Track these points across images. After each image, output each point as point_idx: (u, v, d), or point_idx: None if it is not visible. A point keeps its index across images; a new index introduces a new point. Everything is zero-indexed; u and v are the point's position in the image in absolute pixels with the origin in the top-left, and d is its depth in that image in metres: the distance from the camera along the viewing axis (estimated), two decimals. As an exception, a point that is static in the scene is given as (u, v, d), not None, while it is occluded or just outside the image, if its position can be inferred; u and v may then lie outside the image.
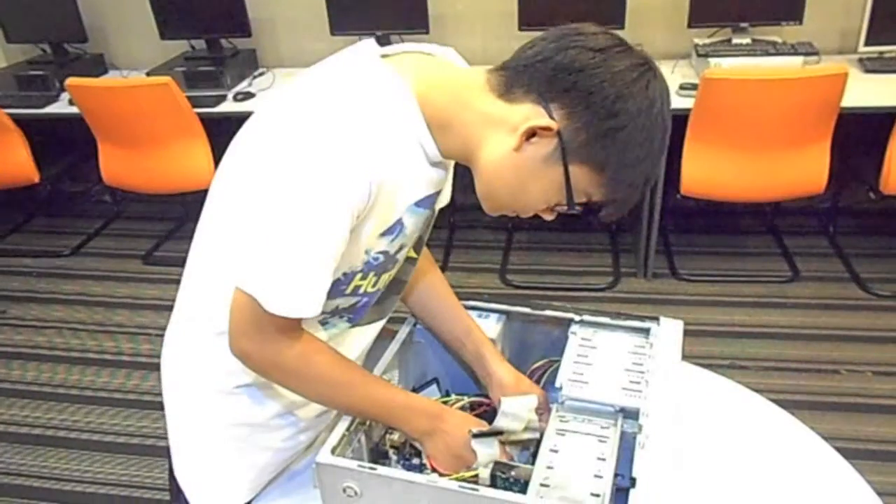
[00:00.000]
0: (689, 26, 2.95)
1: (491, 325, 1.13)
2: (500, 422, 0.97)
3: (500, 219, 3.43)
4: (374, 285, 0.95)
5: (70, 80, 2.73)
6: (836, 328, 2.64)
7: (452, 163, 0.97)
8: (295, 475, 1.10)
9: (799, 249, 3.11)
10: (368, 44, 0.88)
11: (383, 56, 0.86)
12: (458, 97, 0.84)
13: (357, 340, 1.06)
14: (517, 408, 0.98)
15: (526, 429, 0.98)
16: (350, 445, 0.93)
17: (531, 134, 0.80)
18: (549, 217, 0.89)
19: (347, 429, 0.92)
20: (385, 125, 0.81)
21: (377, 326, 1.09)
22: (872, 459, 2.07)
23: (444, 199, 1.03)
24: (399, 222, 0.90)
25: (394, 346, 1.08)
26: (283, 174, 0.79)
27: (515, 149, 0.81)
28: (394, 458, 0.99)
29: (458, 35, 3.21)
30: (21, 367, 2.65)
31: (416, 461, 0.98)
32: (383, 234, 0.89)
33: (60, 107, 3.02)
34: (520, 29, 3.01)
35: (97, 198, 3.81)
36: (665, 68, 2.97)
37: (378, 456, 1.00)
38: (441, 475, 0.92)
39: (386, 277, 0.97)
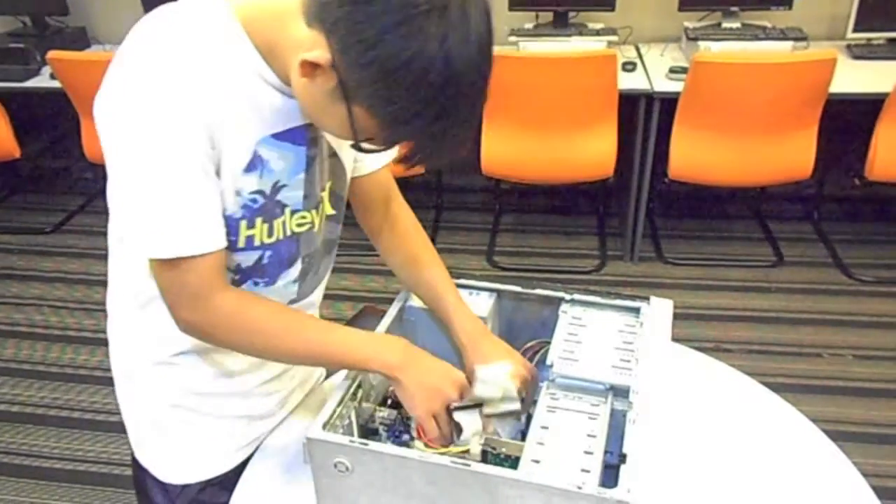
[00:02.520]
0: (680, 9, 2.94)
1: (482, 304, 1.12)
2: (479, 390, 0.96)
3: (488, 201, 3.45)
4: (269, 234, 0.92)
5: (52, 54, 2.67)
6: (819, 312, 2.66)
7: None
8: (284, 451, 1.09)
9: (784, 234, 3.13)
10: None
11: None
12: (278, 20, 0.79)
13: (311, 310, 1.08)
14: (493, 374, 0.97)
15: (504, 399, 0.97)
16: (341, 421, 0.92)
17: (313, 66, 0.74)
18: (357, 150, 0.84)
19: (338, 404, 0.92)
20: (212, 58, 0.80)
21: (322, 291, 1.10)
22: (853, 441, 2.10)
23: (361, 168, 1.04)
24: (257, 157, 0.87)
25: (383, 325, 1.07)
26: (123, 132, 0.79)
27: (302, 76, 0.76)
28: (384, 434, 0.99)
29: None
30: (0, 343, 2.64)
31: (405, 437, 0.98)
32: (246, 171, 0.87)
33: (42, 81, 2.95)
34: (510, 9, 2.98)
35: (78, 175, 3.75)
36: (655, 51, 2.98)
37: (368, 433, 1.00)
38: (428, 447, 0.92)
39: (279, 225, 0.93)
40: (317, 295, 1.09)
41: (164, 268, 0.84)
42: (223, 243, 0.86)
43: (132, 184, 0.81)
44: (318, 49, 0.73)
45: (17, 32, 3.37)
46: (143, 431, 1.07)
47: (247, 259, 0.93)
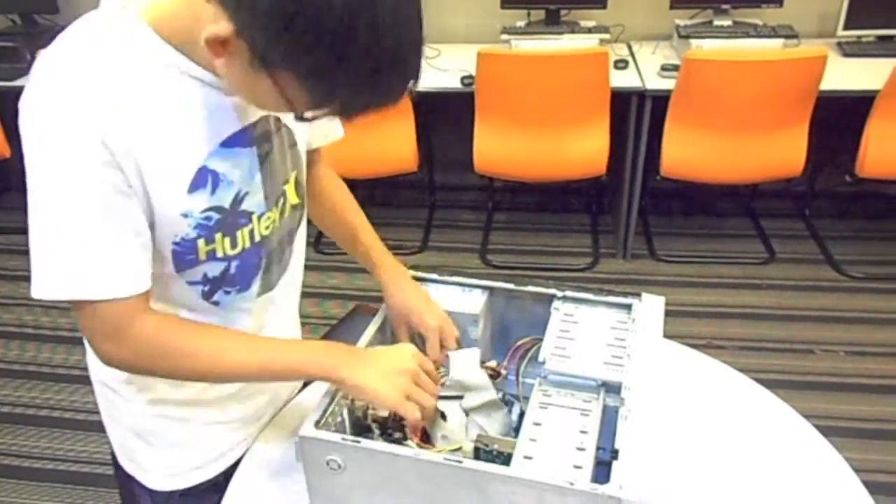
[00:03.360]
0: (671, 7, 2.95)
1: (474, 301, 1.12)
2: (454, 373, 0.97)
3: (481, 199, 3.44)
4: (233, 246, 0.89)
5: (41, 52, 2.65)
6: (811, 309, 2.68)
7: None
8: (276, 450, 1.09)
9: (775, 231, 3.14)
10: None
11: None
12: (185, 8, 0.74)
13: (286, 305, 1.07)
14: (463, 358, 0.98)
15: (478, 388, 0.97)
16: (333, 419, 0.92)
17: (223, 42, 0.69)
18: (302, 122, 0.79)
19: (331, 402, 0.91)
20: (125, 73, 0.75)
21: (296, 284, 1.09)
22: (845, 436, 2.11)
23: (328, 132, 1.06)
24: (206, 171, 0.82)
25: (372, 326, 1.07)
26: (27, 157, 0.74)
27: (216, 58, 0.71)
28: (376, 432, 0.98)
29: (441, 13, 3.18)
30: (4, 345, 2.61)
31: (397, 436, 0.98)
32: (191, 191, 0.82)
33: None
34: (502, 7, 2.98)
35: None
36: (647, 49, 2.99)
37: (360, 431, 0.99)
38: (422, 447, 0.92)
39: (244, 234, 0.90)
40: (285, 288, 1.04)
41: (74, 306, 0.80)
42: (137, 287, 0.81)
43: (33, 213, 0.75)
44: (220, 21, 0.68)
45: (6, 31, 3.36)
46: (126, 440, 1.04)
47: (212, 269, 0.90)
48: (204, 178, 0.83)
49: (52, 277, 0.78)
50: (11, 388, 2.42)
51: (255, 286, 0.97)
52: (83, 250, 0.76)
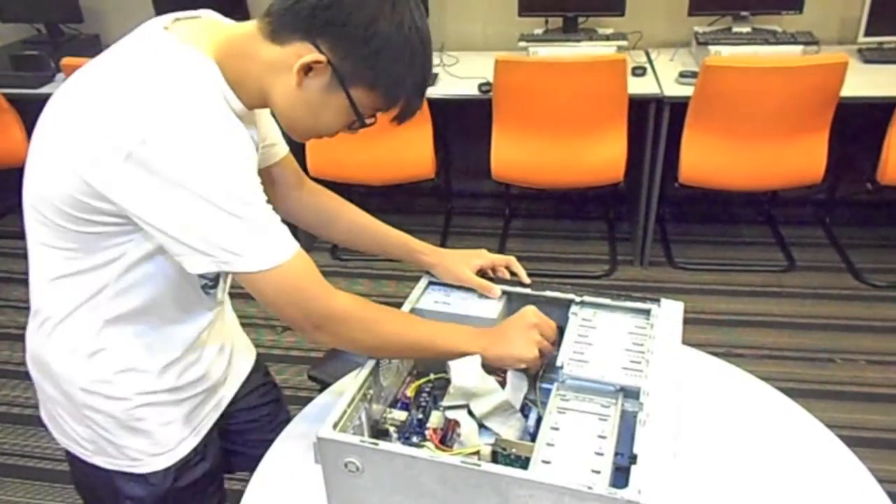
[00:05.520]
0: (690, 14, 2.94)
1: (491, 306, 1.13)
2: (456, 379, 0.97)
3: (498, 206, 3.45)
4: None
5: (66, 60, 2.70)
6: (831, 317, 2.65)
7: (263, 117, 1.07)
8: (295, 451, 1.10)
9: (795, 239, 3.12)
10: (152, 25, 0.91)
11: (165, 28, 0.90)
12: (241, 52, 0.90)
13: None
14: (465, 365, 0.98)
15: (486, 393, 0.98)
16: (351, 422, 0.93)
17: (307, 70, 0.87)
18: (350, 133, 0.97)
19: (348, 405, 0.92)
20: (213, 97, 0.87)
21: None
22: (866, 447, 2.07)
23: (281, 151, 1.17)
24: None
25: (416, 291, 1.09)
26: (182, 171, 0.81)
27: (297, 85, 0.88)
28: (394, 436, 0.99)
29: (459, 21, 3.20)
30: (9, 347, 2.66)
31: (415, 439, 0.98)
32: None
33: (56, 87, 2.95)
34: (520, 15, 2.99)
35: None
36: (665, 56, 2.98)
37: (378, 434, 1.00)
38: (440, 449, 0.92)
39: None
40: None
41: (276, 276, 0.88)
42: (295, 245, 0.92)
43: (208, 211, 0.83)
44: (308, 54, 0.86)
45: (32, 40, 3.42)
46: (109, 437, 1.04)
47: None
48: None
49: (262, 251, 0.87)
50: (21, 390, 2.45)
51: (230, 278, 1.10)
52: (273, 222, 0.89)
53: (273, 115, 1.04)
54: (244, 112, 0.93)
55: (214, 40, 0.90)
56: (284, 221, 0.91)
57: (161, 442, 1.06)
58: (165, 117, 0.81)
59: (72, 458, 1.10)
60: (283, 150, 1.17)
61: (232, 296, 1.17)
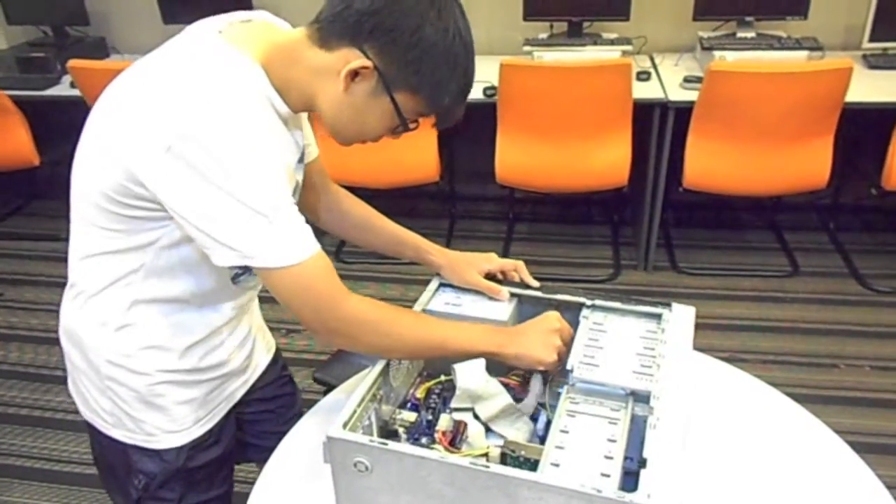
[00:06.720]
0: (695, 19, 2.95)
1: (501, 309, 1.13)
2: (461, 382, 0.97)
3: (502, 210, 3.45)
4: None
5: (72, 62, 2.71)
6: (835, 323, 2.65)
7: (303, 120, 1.10)
8: (304, 450, 1.10)
9: (799, 244, 3.12)
10: (205, 26, 0.93)
11: (220, 32, 0.92)
12: (289, 57, 0.92)
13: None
14: (469, 368, 0.98)
15: (491, 395, 0.98)
16: (360, 422, 0.93)
17: (354, 75, 0.90)
18: (393, 138, 0.99)
19: (358, 404, 0.92)
20: (255, 100, 0.91)
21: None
22: (871, 451, 2.06)
23: (314, 152, 1.19)
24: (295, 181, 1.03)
25: (426, 294, 1.09)
26: (218, 167, 0.84)
27: (344, 90, 0.91)
28: (403, 436, 0.99)
29: (463, 24, 3.20)
30: (18, 348, 2.62)
31: (424, 440, 0.98)
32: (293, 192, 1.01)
33: (62, 89, 3.00)
34: (525, 19, 3.00)
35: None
36: (669, 61, 2.99)
37: (388, 435, 1.00)
38: (449, 451, 0.92)
39: None
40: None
41: (292, 274, 0.90)
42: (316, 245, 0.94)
43: (241, 206, 0.85)
44: (356, 60, 0.88)
45: (38, 42, 3.43)
46: (129, 410, 1.07)
47: None
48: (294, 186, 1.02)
49: (281, 248, 0.89)
50: (41, 392, 2.44)
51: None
52: (297, 222, 0.91)
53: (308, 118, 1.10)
54: (289, 115, 0.96)
55: (263, 45, 0.93)
56: (308, 222, 0.93)
57: (177, 419, 1.08)
58: (206, 116, 0.84)
59: (92, 430, 1.13)
60: (315, 151, 1.20)
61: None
